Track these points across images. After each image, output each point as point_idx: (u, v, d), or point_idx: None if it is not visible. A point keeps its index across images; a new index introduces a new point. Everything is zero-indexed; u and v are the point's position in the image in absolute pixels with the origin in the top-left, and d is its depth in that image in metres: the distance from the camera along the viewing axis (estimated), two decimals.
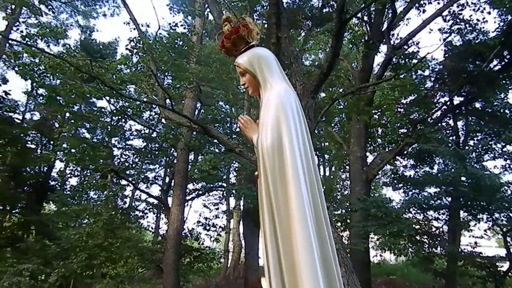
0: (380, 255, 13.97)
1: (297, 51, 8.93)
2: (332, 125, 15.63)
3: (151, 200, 14.78)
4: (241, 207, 15.68)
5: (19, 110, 13.05)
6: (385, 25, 11.33)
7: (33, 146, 15.16)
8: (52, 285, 11.33)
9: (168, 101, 9.18)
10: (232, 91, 11.13)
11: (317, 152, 19.34)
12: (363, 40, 11.92)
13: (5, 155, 11.78)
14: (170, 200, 12.83)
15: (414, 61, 10.26)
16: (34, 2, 8.90)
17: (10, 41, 11.13)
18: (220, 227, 14.79)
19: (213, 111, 13.35)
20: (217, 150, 12.78)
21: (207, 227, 14.45)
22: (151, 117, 13.49)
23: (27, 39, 9.55)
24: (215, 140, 11.76)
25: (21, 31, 9.36)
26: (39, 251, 12.46)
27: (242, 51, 2.27)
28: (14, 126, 11.08)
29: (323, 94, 12.70)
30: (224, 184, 15.02)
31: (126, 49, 8.84)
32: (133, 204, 15.67)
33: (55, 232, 13.71)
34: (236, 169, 13.47)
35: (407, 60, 10.41)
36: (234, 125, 14.38)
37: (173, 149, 13.62)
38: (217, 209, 15.28)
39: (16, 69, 10.11)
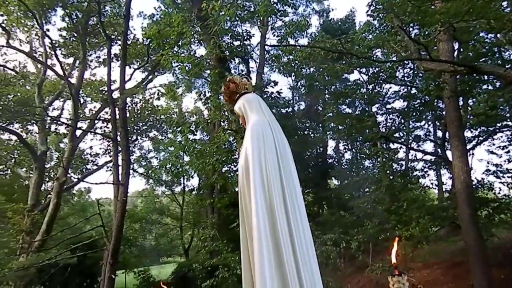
0: None
1: None
2: None
3: (427, 157, 14.27)
4: None
5: (289, 104, 14.92)
6: None
7: (306, 132, 17.04)
8: (355, 250, 12.46)
9: (422, 52, 8.64)
10: (493, 15, 9.47)
11: None
12: None
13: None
14: (449, 153, 12.05)
15: None
16: (278, 7, 10.00)
17: (267, 47, 12.85)
18: None
19: (475, 46, 11.72)
20: (490, 88, 11.20)
21: (500, 174, 12.85)
22: (406, 74, 13.02)
23: (276, 41, 10.84)
24: (487, 77, 10.35)
25: (278, 35, 10.65)
26: (335, 222, 13.83)
27: (237, 99, 2.92)
28: (290, 119, 12.78)
29: None
30: (510, 123, 12.98)
31: (368, 15, 8.83)
32: (410, 165, 15.51)
33: (345, 203, 15.02)
34: None
35: None
36: (506, 53, 12.23)
37: (438, 100, 12.75)
38: (507, 152, 13.36)
39: (279, 69, 11.62)
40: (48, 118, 18.74)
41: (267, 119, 2.70)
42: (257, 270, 2.22)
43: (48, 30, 16.88)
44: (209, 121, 12.62)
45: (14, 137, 19.57)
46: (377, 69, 12.67)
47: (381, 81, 12.64)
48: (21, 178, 21.26)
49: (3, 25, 16.45)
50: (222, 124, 13.70)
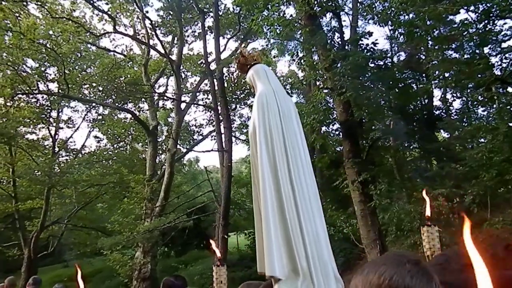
0: None
1: None
2: None
3: None
4: None
5: (386, 55, 14.04)
6: None
7: (407, 84, 15.99)
8: (470, 204, 11.66)
9: None
10: None
11: None
12: None
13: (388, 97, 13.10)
14: None
15: None
16: None
17: None
18: None
19: None
20: None
21: None
22: None
23: None
24: None
25: None
26: (445, 176, 13.03)
27: (248, 70, 3.17)
28: (388, 70, 12.10)
29: None
30: None
31: None
32: None
33: (456, 156, 14.01)
34: None
35: None
36: None
37: None
38: None
39: (374, 19, 10.99)
40: (156, 94, 20.28)
41: (272, 86, 3.01)
42: (263, 226, 2.58)
43: (147, 12, 18.07)
44: (304, 81, 12.55)
45: (129, 115, 21.65)
46: (488, 4, 11.31)
47: (493, 18, 11.24)
48: (139, 152, 23.55)
49: (109, 12, 17.96)
50: (318, 83, 13.53)
